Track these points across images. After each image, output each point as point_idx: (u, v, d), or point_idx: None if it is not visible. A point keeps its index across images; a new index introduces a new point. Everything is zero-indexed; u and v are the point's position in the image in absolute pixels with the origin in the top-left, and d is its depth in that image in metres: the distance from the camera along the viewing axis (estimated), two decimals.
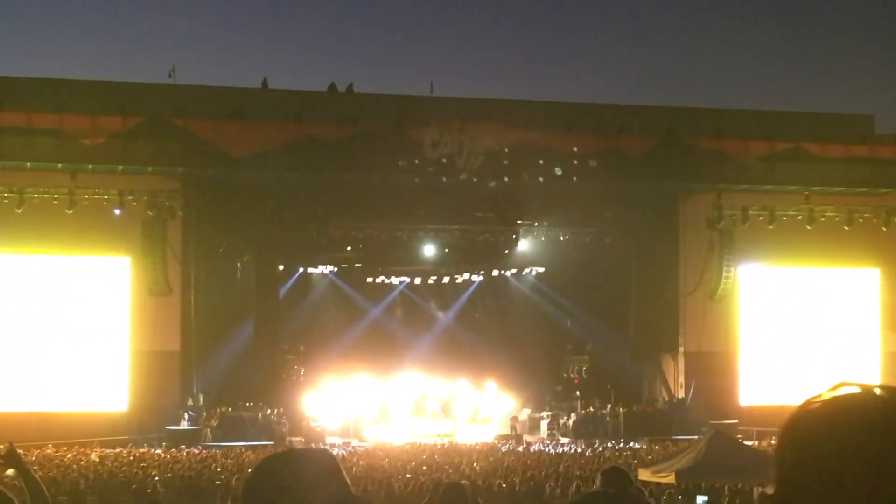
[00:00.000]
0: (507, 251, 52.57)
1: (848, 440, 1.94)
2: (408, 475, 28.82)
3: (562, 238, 50.99)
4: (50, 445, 37.67)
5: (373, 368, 49.04)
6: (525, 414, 49.19)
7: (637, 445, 41.42)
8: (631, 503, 2.43)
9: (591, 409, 48.83)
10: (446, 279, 55.21)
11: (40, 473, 28.40)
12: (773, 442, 39.89)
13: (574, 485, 24.81)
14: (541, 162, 44.54)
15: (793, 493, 2.01)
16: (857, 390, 2.01)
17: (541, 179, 45.11)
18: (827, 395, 2.04)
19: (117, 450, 38.10)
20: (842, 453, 1.93)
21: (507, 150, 44.74)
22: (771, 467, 2.06)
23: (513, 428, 46.98)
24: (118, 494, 22.94)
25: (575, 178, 45.78)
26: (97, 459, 34.48)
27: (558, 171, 46.69)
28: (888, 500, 1.90)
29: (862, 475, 1.91)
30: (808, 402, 2.06)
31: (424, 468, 31.17)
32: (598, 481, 7.81)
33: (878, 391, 2.00)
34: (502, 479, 27.40)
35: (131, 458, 35.09)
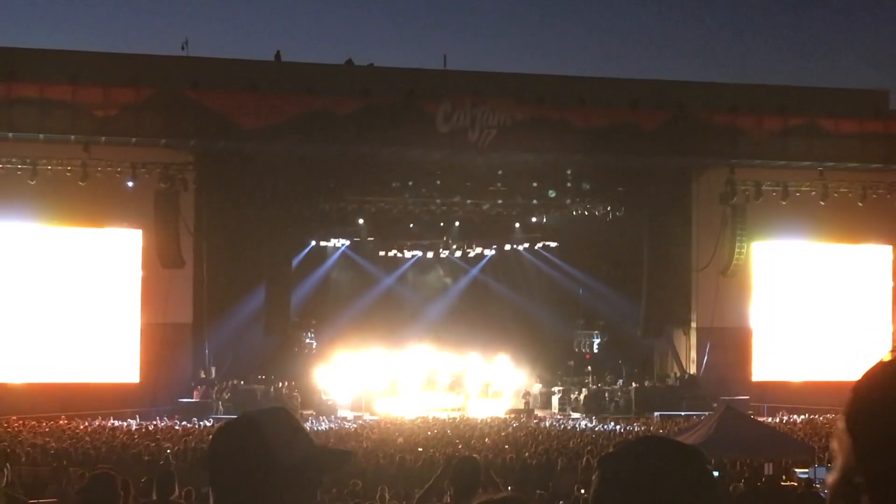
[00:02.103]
0: (518, 225, 52.50)
1: None
2: (419, 449, 28.93)
3: (574, 212, 50.89)
4: (63, 417, 37.84)
5: (384, 342, 49.10)
6: (537, 388, 49.23)
7: (648, 421, 41.47)
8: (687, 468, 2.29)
9: (603, 385, 48.87)
10: (458, 253, 55.18)
11: (53, 444, 28.58)
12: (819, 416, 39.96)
13: (584, 459, 24.86)
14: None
15: (869, 454, 1.99)
16: None
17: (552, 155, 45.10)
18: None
19: (129, 422, 38.28)
20: None
21: (519, 124, 44.63)
22: (838, 432, 2.04)
23: (526, 403, 47.00)
24: (130, 466, 23.02)
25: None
26: (111, 425, 34.71)
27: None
28: None
29: None
30: (880, 364, 2.06)
31: (436, 442, 31.27)
32: None
33: None
34: (513, 454, 27.47)
35: (143, 430, 35.25)
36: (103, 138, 42.14)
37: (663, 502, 2.46)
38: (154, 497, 12.05)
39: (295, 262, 49.76)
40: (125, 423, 37.72)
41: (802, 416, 42.39)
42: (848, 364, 48.55)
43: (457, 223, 51.82)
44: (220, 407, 42.80)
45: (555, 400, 48.25)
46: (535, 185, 47.51)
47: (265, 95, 43.36)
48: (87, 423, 36.68)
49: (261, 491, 3.11)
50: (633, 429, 38.34)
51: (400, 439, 32.29)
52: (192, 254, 44.55)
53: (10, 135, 41.71)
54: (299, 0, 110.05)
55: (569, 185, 47.64)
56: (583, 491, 18.28)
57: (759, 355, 48.95)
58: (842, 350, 48.88)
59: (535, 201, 49.36)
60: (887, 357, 2.05)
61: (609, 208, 50.05)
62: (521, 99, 45.01)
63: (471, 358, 49.09)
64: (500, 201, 49.35)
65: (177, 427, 36.68)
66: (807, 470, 24.79)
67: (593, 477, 2.57)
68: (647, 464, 2.51)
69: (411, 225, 51.55)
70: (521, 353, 49.94)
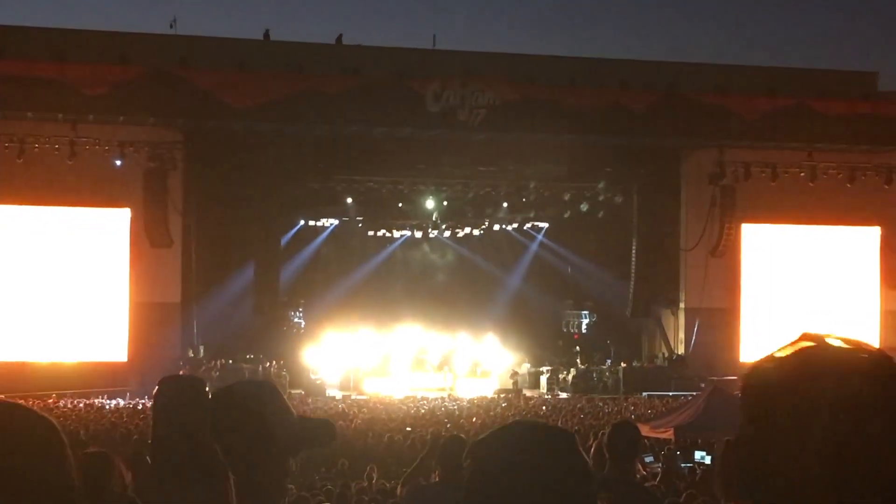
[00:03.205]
0: (507, 205, 52.51)
1: (807, 390, 2.00)
2: (407, 428, 28.94)
3: (563, 193, 50.90)
4: (51, 396, 37.80)
5: (373, 322, 49.14)
6: (525, 368, 49.30)
7: (636, 401, 41.55)
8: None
9: (591, 365, 48.95)
10: (447, 233, 55.18)
11: None
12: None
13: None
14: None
15: (756, 442, 2.04)
16: (817, 342, 2.10)
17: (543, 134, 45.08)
18: (789, 348, 2.10)
19: (118, 401, 38.27)
20: (801, 403, 1.99)
21: (509, 104, 44.56)
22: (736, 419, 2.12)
23: (514, 382, 47.07)
24: (119, 445, 22.98)
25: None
26: (99, 404, 34.68)
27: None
28: (844, 450, 1.95)
29: (820, 425, 1.96)
30: (771, 355, 2.11)
31: (424, 422, 31.30)
32: (606, 435, 7.78)
33: (837, 342, 2.09)
34: None
35: (132, 409, 35.23)
36: (91, 117, 41.98)
37: (532, 486, 2.46)
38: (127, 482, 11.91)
39: (283, 241, 49.75)
40: (113, 402, 37.72)
41: None
42: None
43: (445, 203, 51.79)
44: (209, 386, 42.72)
45: (543, 380, 48.31)
46: (524, 163, 47.47)
47: (254, 74, 43.22)
48: (74, 403, 36.64)
49: (233, 459, 3.15)
50: (622, 408, 38.36)
51: (388, 419, 32.31)
52: (180, 233, 44.48)
53: None
54: None
55: (559, 163, 47.56)
56: None
57: (747, 336, 49.05)
58: (830, 331, 49.00)
59: (523, 181, 49.36)
60: (782, 348, 2.12)
61: (598, 188, 50.07)
62: (510, 79, 44.94)
63: (459, 338, 49.14)
64: (489, 181, 49.36)
65: None
66: None
67: (465, 465, 2.56)
68: (515, 449, 2.51)
69: (400, 204, 51.52)
70: (510, 333, 50.03)
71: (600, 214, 51.04)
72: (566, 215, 52.26)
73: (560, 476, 2.49)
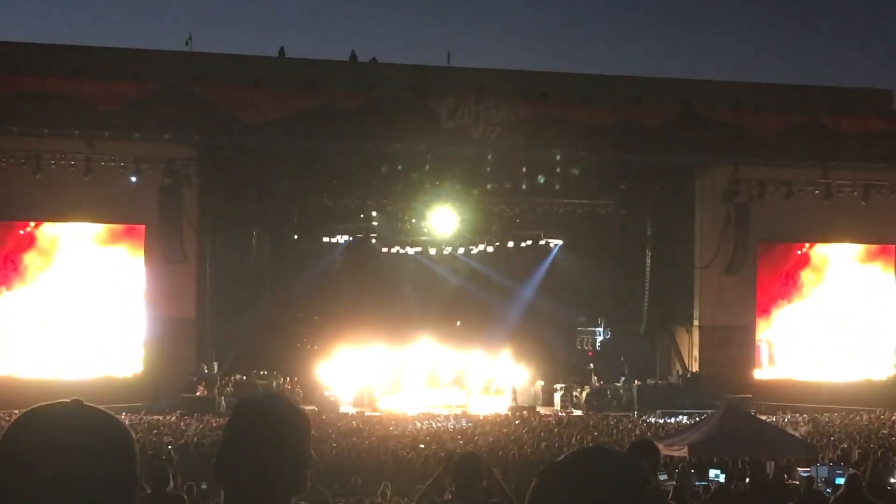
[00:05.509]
0: (520, 222, 52.42)
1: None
2: (421, 445, 28.92)
3: (578, 210, 50.85)
4: None
5: (386, 338, 49.06)
6: (538, 385, 49.18)
7: (651, 419, 41.46)
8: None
9: (605, 382, 48.79)
10: (461, 249, 55.08)
11: None
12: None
13: None
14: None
15: None
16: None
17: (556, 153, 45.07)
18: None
19: (131, 416, 38.28)
20: None
21: (523, 120, 44.59)
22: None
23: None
24: None
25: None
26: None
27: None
28: None
29: None
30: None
31: (438, 439, 31.28)
32: (626, 452, 7.75)
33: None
34: (515, 450, 27.48)
35: (145, 424, 35.26)
36: (107, 133, 42.15)
37: None
38: (148, 491, 11.87)
39: (297, 258, 49.72)
40: (127, 418, 37.74)
41: (805, 416, 42.37)
42: (851, 363, 48.59)
43: (459, 219, 51.75)
44: (223, 402, 42.78)
45: (557, 397, 48.17)
46: (540, 180, 47.46)
47: (269, 90, 43.36)
48: None
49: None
50: (636, 425, 38.29)
51: (401, 436, 32.27)
52: (195, 249, 44.56)
53: (14, 129, 41.72)
54: None
55: (573, 180, 47.53)
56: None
57: (762, 354, 48.94)
58: (845, 349, 48.87)
59: (537, 198, 49.33)
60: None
61: (612, 205, 50.02)
62: (524, 96, 44.99)
63: (473, 355, 49.04)
64: (503, 197, 49.33)
65: (179, 422, 36.68)
66: (809, 469, 24.77)
67: (532, 484, 2.71)
68: (581, 482, 2.63)
69: (414, 221, 51.51)
70: (524, 350, 49.90)
71: (614, 231, 50.95)
72: (580, 232, 52.16)
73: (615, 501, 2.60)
